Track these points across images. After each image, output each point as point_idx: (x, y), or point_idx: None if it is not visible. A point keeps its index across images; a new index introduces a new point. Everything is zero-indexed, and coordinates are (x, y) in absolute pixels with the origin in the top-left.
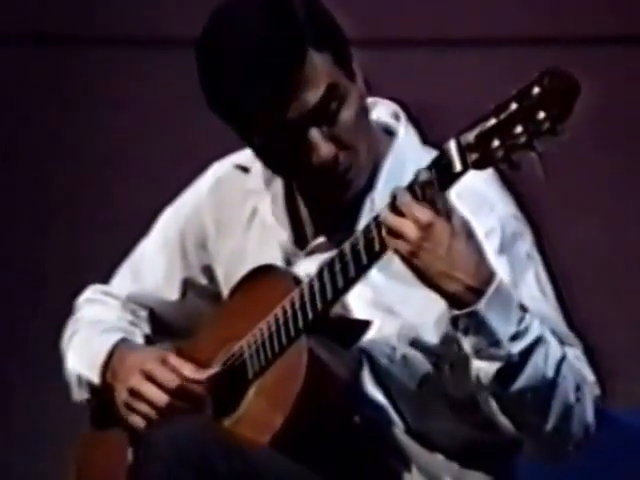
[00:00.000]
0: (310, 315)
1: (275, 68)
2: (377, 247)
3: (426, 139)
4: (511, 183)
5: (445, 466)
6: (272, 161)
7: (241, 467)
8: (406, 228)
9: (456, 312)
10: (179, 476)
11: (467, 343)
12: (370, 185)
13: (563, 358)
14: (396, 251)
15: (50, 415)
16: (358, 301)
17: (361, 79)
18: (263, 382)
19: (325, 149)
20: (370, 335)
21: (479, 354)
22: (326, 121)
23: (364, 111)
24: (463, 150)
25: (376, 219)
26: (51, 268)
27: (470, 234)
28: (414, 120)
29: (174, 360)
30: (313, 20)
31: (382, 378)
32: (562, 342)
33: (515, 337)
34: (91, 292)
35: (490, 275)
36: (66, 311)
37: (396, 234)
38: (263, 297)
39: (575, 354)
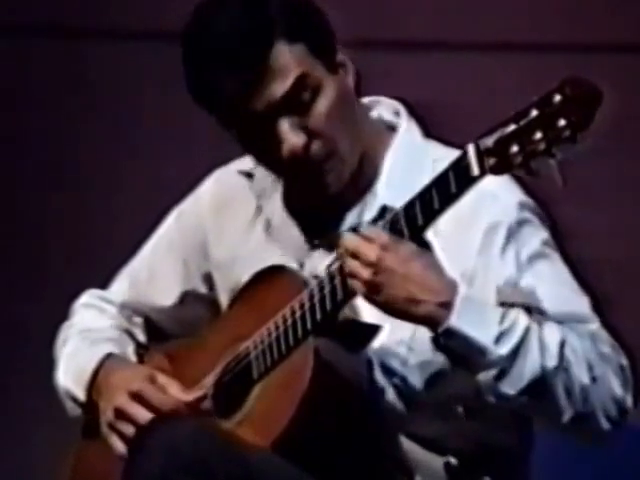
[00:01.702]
0: (318, 317)
1: (242, 58)
2: None
3: (428, 133)
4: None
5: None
6: (251, 152)
7: (240, 472)
8: (358, 269)
9: (432, 333)
10: None
11: (456, 360)
12: (373, 179)
13: (563, 342)
14: (357, 291)
15: (40, 427)
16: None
17: (351, 74)
18: (267, 383)
19: (294, 139)
20: (384, 337)
21: (471, 368)
22: (298, 111)
23: (346, 103)
24: (482, 154)
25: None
26: (52, 270)
27: (420, 252)
28: (415, 115)
29: (162, 379)
30: (288, 10)
31: (394, 380)
32: (578, 321)
33: (500, 338)
34: (88, 296)
35: (454, 285)
36: (67, 312)
37: (352, 275)
38: (271, 297)
39: (588, 330)
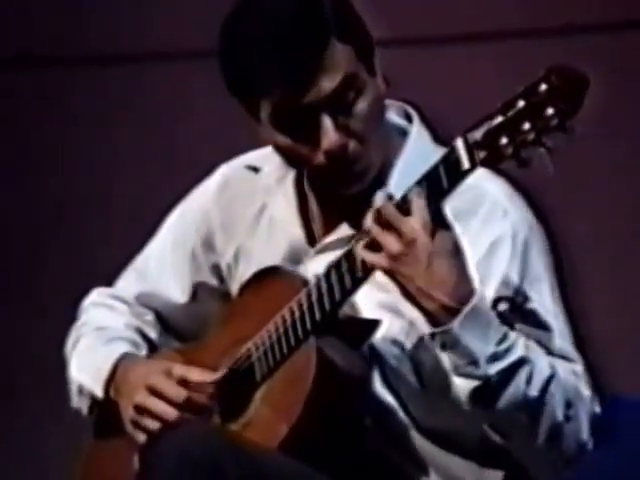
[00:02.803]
0: (318, 316)
1: (297, 49)
2: None
3: (438, 139)
4: (520, 183)
5: (464, 467)
6: (282, 145)
7: (252, 473)
8: (388, 241)
9: (431, 330)
10: None
11: (445, 358)
12: (380, 183)
13: (551, 377)
14: (376, 264)
15: (51, 422)
16: (366, 302)
17: (381, 78)
18: (271, 384)
19: (335, 136)
20: (379, 335)
21: (457, 370)
22: (341, 110)
23: (380, 108)
24: (471, 148)
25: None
26: (52, 271)
27: (452, 251)
28: (427, 121)
29: (179, 370)
30: (339, 12)
31: (391, 378)
32: (565, 357)
33: (493, 358)
34: (97, 295)
35: (469, 294)
36: (66, 315)
37: (378, 247)
38: (270, 298)
39: (573, 369)
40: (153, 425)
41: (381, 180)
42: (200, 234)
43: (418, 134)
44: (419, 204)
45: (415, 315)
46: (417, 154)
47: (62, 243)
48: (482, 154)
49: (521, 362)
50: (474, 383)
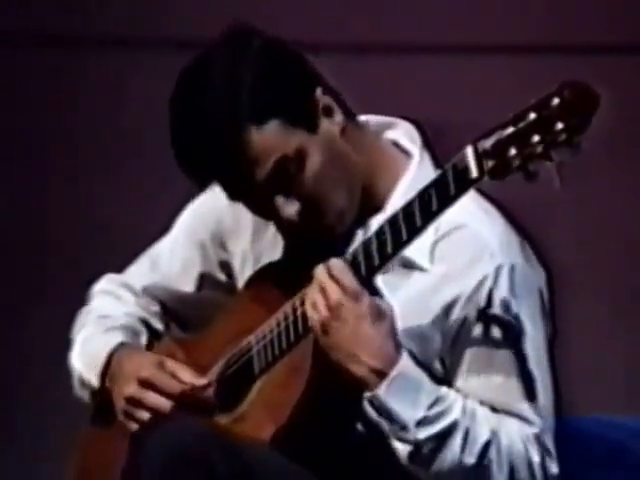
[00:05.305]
0: None
1: (217, 152)
2: (389, 248)
3: (439, 164)
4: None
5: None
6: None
7: (241, 467)
8: (320, 304)
9: (364, 395)
10: (179, 476)
11: (381, 424)
12: (381, 205)
13: (490, 442)
14: (313, 325)
15: (50, 415)
16: None
17: (338, 113)
18: (268, 379)
19: (287, 210)
20: None
21: (391, 434)
22: (287, 183)
23: (335, 156)
24: (480, 157)
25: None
26: (51, 269)
27: (379, 316)
28: (429, 144)
29: (171, 365)
30: (261, 85)
31: None
32: (521, 418)
33: (422, 422)
34: (107, 282)
35: (397, 358)
36: (66, 311)
37: (313, 307)
38: (275, 292)
39: (525, 433)
40: (144, 415)
41: (380, 200)
42: (211, 229)
43: (419, 161)
44: (346, 269)
45: (410, 314)
46: (417, 180)
47: (63, 237)
48: (490, 163)
49: (454, 427)
50: (408, 448)
